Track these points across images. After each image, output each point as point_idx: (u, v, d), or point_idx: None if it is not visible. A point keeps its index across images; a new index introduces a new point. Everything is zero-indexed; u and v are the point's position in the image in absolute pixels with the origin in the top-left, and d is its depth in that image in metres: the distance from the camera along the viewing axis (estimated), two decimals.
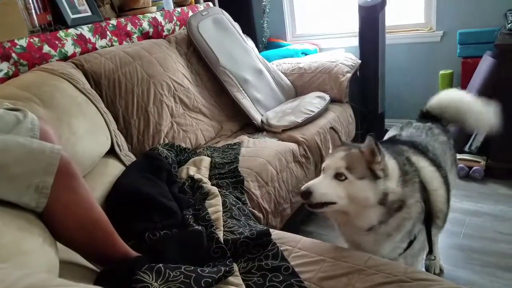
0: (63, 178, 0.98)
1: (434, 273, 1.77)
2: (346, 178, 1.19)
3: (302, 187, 1.21)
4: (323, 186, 1.19)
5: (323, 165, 1.27)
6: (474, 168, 2.54)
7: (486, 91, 2.50)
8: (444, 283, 1.05)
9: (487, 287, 1.72)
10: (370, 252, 1.26)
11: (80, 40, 2.10)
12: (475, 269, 1.82)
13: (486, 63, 2.56)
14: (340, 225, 1.35)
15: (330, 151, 1.35)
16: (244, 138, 2.26)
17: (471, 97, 1.68)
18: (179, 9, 2.83)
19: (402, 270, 1.11)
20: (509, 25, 2.43)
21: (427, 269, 1.82)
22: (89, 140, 1.65)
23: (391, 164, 1.25)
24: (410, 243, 1.33)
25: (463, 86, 2.82)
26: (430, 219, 1.35)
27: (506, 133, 2.37)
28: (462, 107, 1.66)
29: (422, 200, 1.29)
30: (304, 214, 2.18)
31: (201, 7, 3.03)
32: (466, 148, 2.63)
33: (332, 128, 1.38)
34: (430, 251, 1.40)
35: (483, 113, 1.64)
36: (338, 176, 1.20)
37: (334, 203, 1.20)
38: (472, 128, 1.67)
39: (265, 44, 3.63)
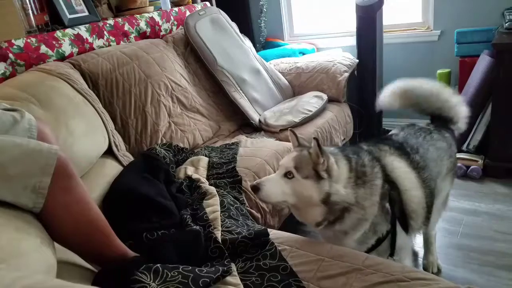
0: (60, 178, 0.98)
1: (432, 272, 1.78)
2: (293, 176, 1.29)
3: (254, 182, 1.33)
4: (271, 185, 1.30)
5: (279, 163, 1.37)
6: (472, 167, 2.54)
7: (484, 90, 2.51)
8: (442, 282, 1.05)
9: (485, 286, 1.72)
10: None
11: (78, 40, 2.10)
12: (473, 268, 1.83)
13: (483, 62, 2.57)
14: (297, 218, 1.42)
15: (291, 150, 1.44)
16: (242, 138, 2.26)
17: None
18: (176, 9, 2.82)
19: (400, 270, 1.11)
20: (506, 24, 2.43)
21: (425, 268, 1.82)
22: (86, 141, 1.64)
23: (341, 166, 1.32)
24: (379, 240, 1.36)
25: (461, 85, 2.82)
26: (404, 219, 1.37)
27: (504, 132, 2.41)
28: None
29: (386, 202, 1.33)
30: None
31: (198, 6, 3.02)
32: (464, 147, 2.64)
33: (291, 130, 1.47)
34: (391, 254, 1.40)
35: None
36: (287, 174, 1.30)
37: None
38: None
39: (263, 44, 3.63)
